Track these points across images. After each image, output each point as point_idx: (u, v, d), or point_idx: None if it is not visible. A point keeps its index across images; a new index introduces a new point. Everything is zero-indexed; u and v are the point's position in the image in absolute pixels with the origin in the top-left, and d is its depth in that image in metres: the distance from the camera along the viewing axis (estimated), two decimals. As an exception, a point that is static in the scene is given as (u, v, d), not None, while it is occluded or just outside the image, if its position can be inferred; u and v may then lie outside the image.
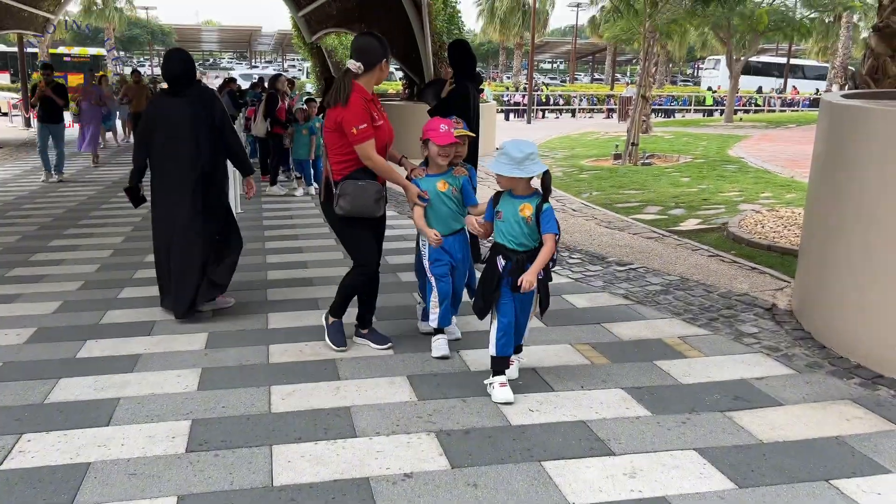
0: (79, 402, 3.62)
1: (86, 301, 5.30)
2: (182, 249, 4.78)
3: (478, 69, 5.95)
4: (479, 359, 4.15)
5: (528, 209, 3.53)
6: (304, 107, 10.55)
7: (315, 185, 10.30)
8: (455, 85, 5.65)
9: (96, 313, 5.02)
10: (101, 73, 18.16)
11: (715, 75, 49.99)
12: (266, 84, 16.04)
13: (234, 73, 36.63)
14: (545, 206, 3.55)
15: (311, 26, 19.74)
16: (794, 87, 45.32)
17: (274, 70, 49.95)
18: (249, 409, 3.55)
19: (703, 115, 35.86)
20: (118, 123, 18.13)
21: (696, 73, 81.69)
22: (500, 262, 3.60)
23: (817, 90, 46.02)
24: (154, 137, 4.73)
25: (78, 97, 14.15)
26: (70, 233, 7.77)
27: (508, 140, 3.61)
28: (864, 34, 37.11)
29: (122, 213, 8.84)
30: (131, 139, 16.54)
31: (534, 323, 4.75)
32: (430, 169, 4.17)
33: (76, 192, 10.68)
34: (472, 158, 4.87)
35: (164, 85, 4.97)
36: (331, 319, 4.38)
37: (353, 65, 3.91)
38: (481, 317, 3.78)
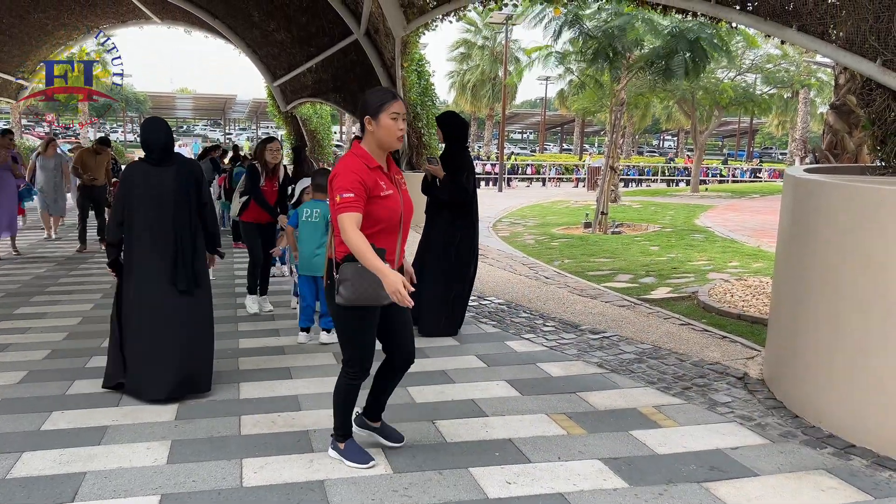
0: (43, 477, 3.51)
1: (52, 371, 5.18)
2: (164, 329, 4.55)
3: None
4: (455, 430, 4.11)
5: None
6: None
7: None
8: (454, 151, 6.12)
9: (63, 383, 4.90)
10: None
11: None
12: (240, 151, 16.18)
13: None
14: None
15: (286, 96, 20.06)
16: (688, 156, 47.21)
17: (248, 137, 50.09)
18: (220, 484, 3.47)
19: (668, 185, 36.77)
20: (69, 198, 13.69)
21: (661, 145, 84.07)
22: None
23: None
24: (134, 207, 4.51)
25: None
26: (37, 300, 7.63)
27: None
28: (822, 109, 38.62)
29: (92, 279, 8.73)
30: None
31: (509, 392, 4.76)
32: None
33: (36, 264, 10.54)
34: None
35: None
36: (341, 445, 3.72)
37: (358, 128, 3.53)
38: None
